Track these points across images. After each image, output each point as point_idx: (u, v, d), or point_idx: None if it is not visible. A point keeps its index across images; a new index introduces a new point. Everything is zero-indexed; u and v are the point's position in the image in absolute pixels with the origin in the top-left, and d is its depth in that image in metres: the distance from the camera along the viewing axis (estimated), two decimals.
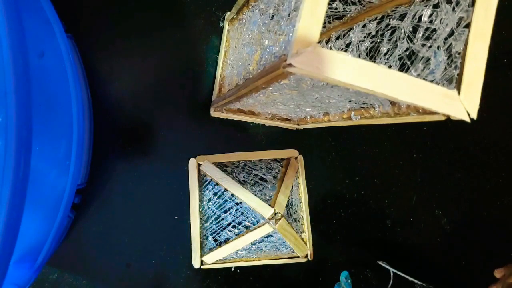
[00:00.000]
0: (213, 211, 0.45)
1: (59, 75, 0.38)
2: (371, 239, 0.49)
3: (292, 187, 0.45)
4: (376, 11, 0.33)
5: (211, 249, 0.44)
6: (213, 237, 0.45)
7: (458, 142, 0.50)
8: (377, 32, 0.32)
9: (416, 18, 0.27)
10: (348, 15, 0.36)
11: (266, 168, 0.46)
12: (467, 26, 0.21)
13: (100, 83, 0.45)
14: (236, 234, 0.44)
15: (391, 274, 0.45)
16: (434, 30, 0.25)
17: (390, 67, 0.29)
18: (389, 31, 0.30)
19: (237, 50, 0.40)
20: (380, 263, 0.46)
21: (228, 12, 0.44)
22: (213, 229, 0.45)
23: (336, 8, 0.34)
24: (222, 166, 0.45)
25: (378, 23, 0.32)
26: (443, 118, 0.22)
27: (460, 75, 0.21)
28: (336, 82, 0.19)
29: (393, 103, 0.26)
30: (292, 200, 0.45)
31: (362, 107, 0.31)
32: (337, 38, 0.38)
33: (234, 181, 0.43)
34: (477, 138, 0.50)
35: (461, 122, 0.21)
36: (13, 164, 0.21)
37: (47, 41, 0.37)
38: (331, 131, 0.48)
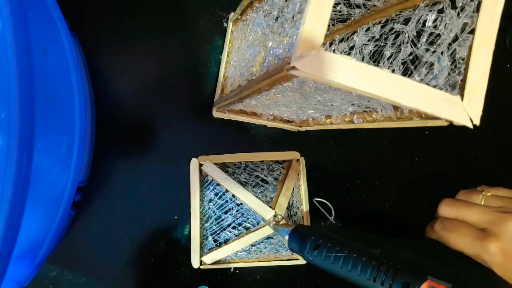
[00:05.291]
0: (213, 212, 0.45)
1: (62, 72, 0.38)
2: None
3: (293, 189, 0.45)
4: (380, 14, 0.33)
5: (210, 250, 0.44)
6: (213, 238, 0.45)
7: (459, 147, 0.50)
8: (381, 35, 0.32)
9: (420, 23, 0.27)
10: (352, 18, 0.36)
11: (268, 169, 0.46)
12: (472, 32, 0.21)
13: (103, 82, 0.45)
14: (236, 235, 0.44)
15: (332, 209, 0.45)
16: (438, 35, 0.25)
17: (393, 71, 0.29)
18: (393, 35, 0.30)
19: (240, 51, 0.40)
20: (314, 200, 0.46)
21: (232, 13, 0.44)
22: (213, 229, 0.45)
23: (340, 11, 0.34)
24: (223, 167, 0.45)
25: (382, 26, 0.32)
26: (445, 124, 0.22)
27: (463, 81, 0.21)
28: (339, 86, 0.19)
29: (396, 108, 0.26)
30: (292, 202, 0.45)
31: (364, 111, 0.31)
32: (341, 41, 0.38)
33: (235, 182, 0.43)
34: (479, 143, 0.50)
35: (463, 127, 0.21)
36: (16, 161, 0.21)
37: (51, 39, 0.37)
38: (333, 133, 0.48)
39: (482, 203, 0.32)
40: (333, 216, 0.45)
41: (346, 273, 0.30)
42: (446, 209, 0.33)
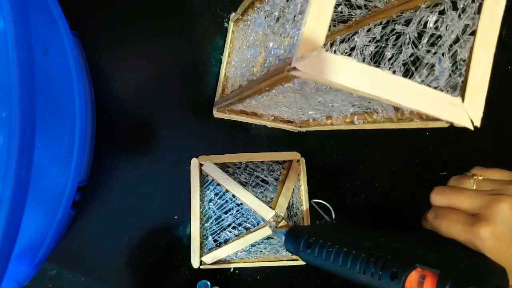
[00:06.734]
0: (213, 212, 0.45)
1: (62, 72, 0.38)
2: None
3: (293, 189, 0.45)
4: (382, 15, 0.33)
5: (210, 249, 0.44)
6: (213, 238, 0.45)
7: (459, 148, 0.50)
8: (382, 36, 0.32)
9: (421, 24, 0.27)
10: (353, 19, 0.36)
11: (268, 170, 0.46)
12: (473, 33, 0.21)
13: (103, 81, 0.45)
14: (236, 235, 0.44)
15: (331, 209, 0.45)
16: (440, 36, 0.25)
17: (394, 72, 0.29)
18: (394, 36, 0.30)
19: (241, 51, 0.40)
20: (313, 202, 0.45)
21: (233, 13, 0.44)
22: (213, 229, 0.45)
23: (341, 12, 0.34)
24: (223, 167, 0.45)
25: (383, 27, 0.32)
26: (446, 125, 0.22)
27: (464, 82, 0.21)
28: (340, 87, 0.19)
29: (396, 109, 0.26)
30: (293, 203, 0.45)
31: (365, 112, 0.31)
32: (342, 41, 0.38)
33: (236, 182, 0.43)
34: (479, 145, 0.50)
35: (464, 128, 0.21)
36: (16, 160, 0.21)
37: (52, 38, 0.37)
38: (333, 134, 0.48)
39: (474, 187, 0.32)
40: (333, 216, 0.45)
41: (338, 268, 0.30)
42: (437, 198, 0.33)
